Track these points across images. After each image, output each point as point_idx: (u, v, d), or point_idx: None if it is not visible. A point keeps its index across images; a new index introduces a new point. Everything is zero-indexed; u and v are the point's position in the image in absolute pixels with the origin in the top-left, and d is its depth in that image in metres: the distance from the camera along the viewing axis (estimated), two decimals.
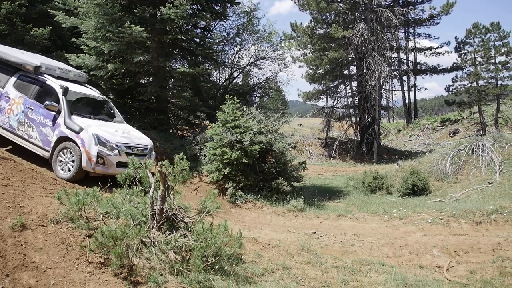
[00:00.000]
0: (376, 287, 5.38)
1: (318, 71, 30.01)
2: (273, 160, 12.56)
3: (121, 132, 9.80)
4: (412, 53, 35.83)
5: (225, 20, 17.00)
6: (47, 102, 9.32)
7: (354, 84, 30.90)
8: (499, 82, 26.75)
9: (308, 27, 29.28)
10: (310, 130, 32.94)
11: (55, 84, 9.82)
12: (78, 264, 4.33)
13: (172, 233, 5.13)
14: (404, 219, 9.92)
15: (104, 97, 11.45)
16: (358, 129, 30.45)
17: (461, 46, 28.37)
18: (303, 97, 31.46)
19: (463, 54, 28.41)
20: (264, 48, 19.87)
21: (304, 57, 30.25)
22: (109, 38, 12.41)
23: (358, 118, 30.66)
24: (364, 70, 26.12)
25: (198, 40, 14.82)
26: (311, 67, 30.16)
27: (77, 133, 9.04)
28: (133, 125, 12.14)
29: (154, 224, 5.24)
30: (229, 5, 16.04)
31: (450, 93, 29.80)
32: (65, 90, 9.59)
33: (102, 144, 9.03)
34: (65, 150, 9.14)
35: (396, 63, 33.78)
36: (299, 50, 30.70)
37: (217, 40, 15.69)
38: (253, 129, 11.47)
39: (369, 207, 12.06)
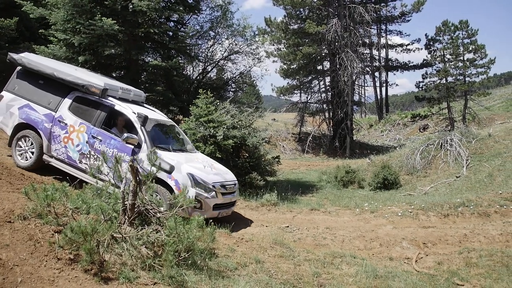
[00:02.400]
0: (347, 279, 5.48)
1: (292, 66, 30.20)
2: (247, 155, 12.58)
3: (210, 168, 8.50)
4: (384, 49, 36.51)
5: (198, 14, 16.86)
6: (126, 135, 7.76)
7: (328, 79, 31.25)
8: (467, 79, 27.46)
9: (282, 22, 29.39)
10: (284, 125, 33.13)
11: (128, 110, 8.32)
12: (46, 261, 4.23)
13: (144, 228, 5.07)
14: (375, 213, 10.12)
15: (171, 120, 10.16)
16: (331, 124, 30.82)
17: (431, 43, 28.98)
18: (277, 92, 31.60)
19: (433, 51, 29.04)
20: (238, 42, 19.82)
21: (278, 52, 30.38)
22: (79, 30, 12.09)
23: (331, 113, 31.03)
24: (337, 66, 26.43)
25: (171, 34, 14.64)
26: (285, 62, 30.33)
27: (169, 172, 7.65)
28: None
29: (126, 219, 5.16)
30: None
31: (420, 89, 30.44)
32: (144, 120, 8.10)
33: (199, 186, 7.74)
34: (154, 194, 7.54)
35: (369, 59, 34.32)
36: (273, 45, 30.82)
37: (191, 34, 15.56)
38: (226, 124, 11.44)
39: (342, 201, 12.25)
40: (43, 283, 3.92)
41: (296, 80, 31.47)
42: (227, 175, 8.75)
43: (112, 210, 5.21)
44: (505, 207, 9.68)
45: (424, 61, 31.51)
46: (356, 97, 30.64)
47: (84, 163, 8.09)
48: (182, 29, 15.62)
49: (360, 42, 28.80)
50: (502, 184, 11.74)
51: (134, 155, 7.81)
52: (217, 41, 19.89)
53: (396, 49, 35.79)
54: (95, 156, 7.98)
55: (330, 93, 30.59)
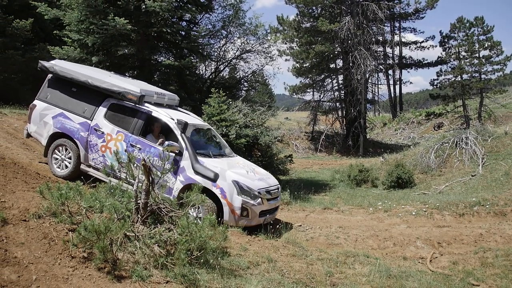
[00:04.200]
0: (360, 278, 5.44)
1: (304, 65, 30.10)
2: (259, 154, 12.57)
3: (253, 173, 8.28)
4: (398, 47, 36.13)
5: (210, 13, 16.85)
6: (166, 143, 7.60)
7: (340, 77, 31.09)
8: (483, 76, 27.07)
9: (294, 20, 29.29)
10: (297, 124, 33.05)
11: (166, 117, 8.08)
12: (60, 259, 4.28)
13: (157, 227, 5.09)
14: (388, 212, 10.03)
15: (206, 123, 9.95)
16: (344, 123, 30.64)
17: (446, 40, 28.63)
18: (290, 91, 31.55)
19: (448, 48, 28.69)
20: (250, 41, 19.75)
21: (291, 51, 30.30)
22: (92, 31, 12.21)
23: (344, 112, 30.85)
24: (350, 64, 26.25)
25: (183, 33, 14.68)
26: (298, 60, 30.22)
27: (213, 181, 7.41)
28: None
29: (139, 218, 5.19)
30: None
31: (434, 87, 30.10)
32: (185, 127, 7.92)
33: (245, 193, 7.48)
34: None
35: (382, 57, 34.04)
36: (286, 43, 30.75)
37: (203, 33, 15.56)
38: (239, 123, 11.45)
39: (355, 200, 12.16)
40: (57, 281, 3.97)
41: (308, 79, 31.35)
42: (270, 180, 8.53)
43: (125, 209, 5.24)
44: None
45: (439, 59, 31.10)
46: (369, 95, 30.45)
47: (123, 172, 7.88)
48: (194, 28, 15.66)
49: (373, 39, 28.54)
50: None
51: (176, 163, 7.56)
52: (229, 40, 19.86)
53: (410, 47, 35.40)
54: (135, 165, 7.80)
55: (343, 92, 30.42)
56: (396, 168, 15.05)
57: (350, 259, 6.43)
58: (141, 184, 5.25)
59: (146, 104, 8.29)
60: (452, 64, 28.80)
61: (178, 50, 14.79)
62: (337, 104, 31.71)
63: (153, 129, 8.33)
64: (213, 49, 19.45)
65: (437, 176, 15.25)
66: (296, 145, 28.97)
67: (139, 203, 5.20)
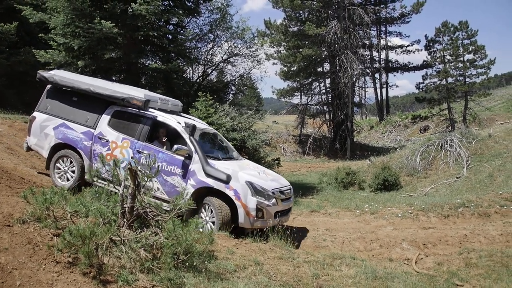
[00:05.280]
0: (347, 280, 5.48)
1: (292, 69, 30.27)
2: (247, 157, 12.59)
3: (264, 174, 8.14)
4: (384, 51, 36.46)
5: (197, 17, 16.93)
6: (176, 146, 7.41)
7: (328, 81, 31.31)
8: (467, 79, 27.46)
9: (281, 24, 29.45)
10: (285, 127, 33.15)
11: (172, 121, 7.97)
12: (45, 264, 4.24)
13: (143, 231, 5.08)
14: (375, 214, 10.11)
15: (212, 128, 9.88)
16: (332, 126, 30.83)
17: (431, 44, 28.99)
18: (277, 94, 31.67)
19: (433, 52, 29.06)
20: (238, 44, 19.85)
21: (278, 54, 30.47)
22: (78, 34, 12.12)
23: (331, 115, 31.04)
24: (337, 68, 26.47)
25: (170, 37, 14.67)
26: (285, 64, 30.41)
27: (226, 182, 7.22)
28: None
29: (125, 222, 5.17)
30: (201, 1, 15.94)
31: (420, 90, 30.42)
32: (193, 129, 7.78)
33: (259, 194, 7.28)
34: (207, 206, 7.29)
35: (369, 60, 34.35)
36: (273, 47, 30.87)
37: (190, 37, 15.60)
38: (226, 126, 11.47)
39: (342, 202, 12.25)
40: (41, 286, 3.93)
41: (296, 82, 31.54)
42: (282, 180, 8.40)
43: (111, 213, 5.21)
44: (505, 207, 9.66)
45: (424, 62, 31.54)
46: (356, 99, 30.67)
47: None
48: (181, 32, 15.66)
49: (360, 43, 28.84)
50: (502, 185, 11.73)
51: (186, 167, 7.44)
52: (217, 44, 19.94)
53: (396, 51, 35.77)
54: (142, 172, 7.64)
55: (330, 95, 30.62)
56: (383, 170, 15.20)
57: (336, 261, 6.46)
58: (126, 189, 5.23)
59: (151, 110, 8.13)
60: (437, 68, 29.20)
61: (165, 53, 14.77)
62: (325, 107, 31.91)
63: (159, 134, 8.14)
64: (200, 53, 19.51)
65: (423, 178, 15.43)
66: (284, 149, 29.06)
67: (125, 207, 5.18)
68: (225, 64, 20.22)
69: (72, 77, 8.72)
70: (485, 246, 7.48)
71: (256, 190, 7.26)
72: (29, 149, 8.79)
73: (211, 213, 7.18)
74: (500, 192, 10.70)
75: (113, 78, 14.61)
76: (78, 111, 8.38)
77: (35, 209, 4.89)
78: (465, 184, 13.06)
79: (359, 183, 16.11)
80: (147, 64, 15.04)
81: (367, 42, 32.42)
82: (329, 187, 16.17)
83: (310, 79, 31.49)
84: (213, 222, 7.15)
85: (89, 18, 12.02)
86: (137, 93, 8.27)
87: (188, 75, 20.01)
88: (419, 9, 29.49)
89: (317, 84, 32.10)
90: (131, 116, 8.11)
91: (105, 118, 8.17)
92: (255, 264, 5.63)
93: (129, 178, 5.17)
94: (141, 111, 8.03)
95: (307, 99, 31.96)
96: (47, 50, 13.00)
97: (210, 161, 7.52)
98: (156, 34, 13.10)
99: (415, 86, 30.45)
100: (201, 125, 8.94)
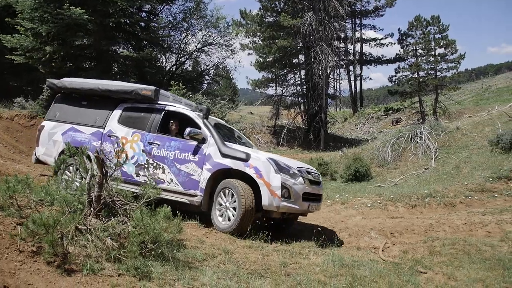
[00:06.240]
0: (314, 268, 5.55)
1: (267, 59, 30.23)
2: None
3: (284, 159, 7.49)
4: (358, 43, 36.82)
5: (171, 4, 16.77)
6: (188, 129, 7.04)
7: (303, 72, 31.38)
8: (438, 73, 28.04)
9: (257, 14, 29.31)
10: (259, 118, 33.15)
11: (184, 109, 7.79)
12: (7, 254, 4.14)
13: (110, 220, 5.02)
14: (345, 204, 10.28)
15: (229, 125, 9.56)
16: (306, 117, 30.98)
17: (404, 38, 29.44)
18: (252, 85, 31.60)
19: (406, 46, 29.52)
20: (212, 34, 19.75)
21: (254, 45, 30.37)
22: (47, 19, 11.80)
23: (306, 107, 31.19)
24: (312, 59, 26.55)
25: (143, 24, 14.47)
26: (261, 55, 30.34)
27: (245, 160, 6.73)
28: None
29: (91, 211, 5.09)
30: None
31: (393, 83, 30.90)
32: (207, 112, 7.53)
33: (283, 171, 6.68)
34: (227, 191, 6.77)
35: (343, 53, 34.58)
36: (249, 37, 30.76)
37: (163, 25, 15.44)
38: None
39: None
40: (3, 275, 3.84)
41: (271, 73, 31.53)
42: (306, 165, 7.93)
43: (77, 202, 5.13)
44: (470, 197, 9.99)
45: (397, 56, 32.02)
46: (330, 91, 30.89)
47: (142, 175, 7.39)
48: (154, 19, 15.43)
49: (335, 35, 28.98)
50: (468, 176, 12.08)
51: (199, 152, 7.07)
52: (191, 33, 19.77)
53: (370, 44, 36.20)
54: (154, 164, 7.30)
55: (305, 87, 30.74)
56: (354, 161, 15.43)
57: (305, 250, 6.55)
58: (93, 177, 5.15)
59: (161, 102, 7.98)
60: (409, 61, 29.68)
61: (137, 41, 14.56)
62: (299, 98, 32.02)
63: (170, 127, 7.87)
64: (174, 41, 19.33)
65: (393, 169, 15.75)
66: (258, 139, 29.07)
67: (92, 196, 5.10)
68: (199, 53, 20.12)
69: (80, 80, 8.78)
70: (449, 235, 7.70)
71: (279, 167, 6.70)
72: (38, 161, 8.61)
73: (231, 197, 6.67)
74: (466, 183, 11.03)
75: (83, 65, 14.31)
76: (86, 114, 8.31)
77: None
78: (433, 175, 13.39)
79: (331, 173, 16.31)
80: (118, 51, 14.78)
81: (342, 35, 32.62)
82: None
83: (285, 70, 31.52)
84: (234, 208, 6.67)
85: (57, 3, 11.71)
86: (146, 86, 8.11)
87: (161, 64, 19.78)
88: (393, 3, 29.93)
89: (292, 75, 32.17)
90: (141, 110, 7.98)
91: (115, 116, 8.06)
92: (224, 253, 5.65)
93: (95, 166, 5.09)
94: (151, 103, 7.90)
95: (282, 90, 32.01)
96: (13, 35, 12.59)
97: (228, 143, 7.18)
98: (128, 21, 12.92)
99: (388, 79, 30.95)
100: (216, 120, 8.79)
